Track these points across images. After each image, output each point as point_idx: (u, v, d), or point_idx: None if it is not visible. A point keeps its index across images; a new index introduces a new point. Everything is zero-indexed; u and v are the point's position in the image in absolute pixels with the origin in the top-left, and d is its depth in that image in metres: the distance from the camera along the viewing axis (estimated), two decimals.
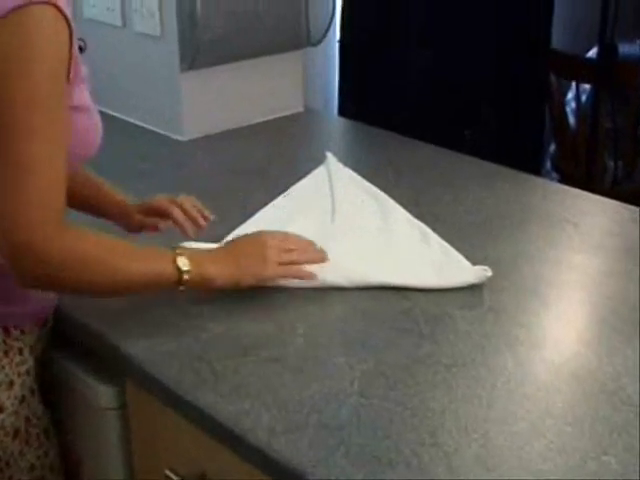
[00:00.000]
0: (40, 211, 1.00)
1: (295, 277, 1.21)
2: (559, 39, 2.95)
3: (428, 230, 1.39)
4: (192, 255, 1.12)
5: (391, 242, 1.36)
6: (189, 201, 1.32)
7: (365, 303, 1.22)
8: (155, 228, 1.33)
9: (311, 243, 1.25)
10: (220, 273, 1.14)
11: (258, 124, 1.95)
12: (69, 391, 1.25)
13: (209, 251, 1.19)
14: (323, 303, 1.22)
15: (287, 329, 1.16)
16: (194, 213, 1.31)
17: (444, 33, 2.65)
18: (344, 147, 1.95)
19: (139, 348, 1.11)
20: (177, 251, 1.11)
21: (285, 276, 1.20)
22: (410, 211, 1.46)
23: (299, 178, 1.60)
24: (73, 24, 1.03)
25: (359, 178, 1.60)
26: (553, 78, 2.89)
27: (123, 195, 1.35)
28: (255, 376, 1.05)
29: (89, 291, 1.11)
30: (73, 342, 1.22)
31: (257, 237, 1.20)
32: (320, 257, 1.23)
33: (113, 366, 1.17)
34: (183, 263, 1.10)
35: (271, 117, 1.98)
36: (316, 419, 0.98)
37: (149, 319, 1.17)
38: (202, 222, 1.30)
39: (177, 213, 1.30)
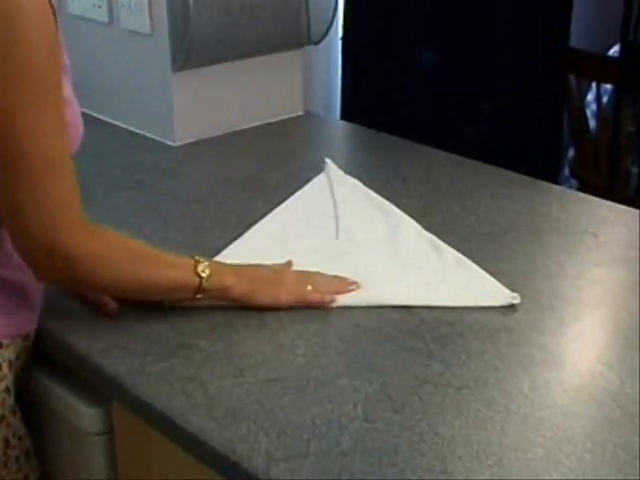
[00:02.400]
0: (65, 210, 1.05)
1: (312, 304, 1.23)
2: (578, 36, 2.96)
3: (441, 243, 1.40)
4: (212, 264, 1.19)
5: (401, 259, 1.36)
6: None
7: (369, 321, 1.22)
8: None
9: (340, 277, 1.28)
10: (237, 284, 1.20)
11: (255, 128, 1.96)
12: (50, 413, 1.26)
13: (229, 264, 1.25)
14: (325, 321, 1.22)
15: (286, 348, 1.16)
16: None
17: (454, 30, 2.67)
18: (347, 153, 1.96)
19: (126, 368, 1.12)
20: (197, 259, 1.18)
21: (302, 302, 1.23)
22: (417, 222, 1.47)
23: (298, 187, 1.61)
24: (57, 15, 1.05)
25: (363, 187, 1.61)
26: (572, 78, 2.91)
27: None
28: (252, 399, 1.06)
29: (111, 292, 1.18)
30: (54, 360, 1.23)
31: (278, 265, 1.29)
32: (341, 287, 1.26)
33: (97, 387, 1.17)
34: (203, 270, 1.16)
35: (268, 121, 1.99)
36: (317, 445, 0.98)
37: (137, 336, 1.18)
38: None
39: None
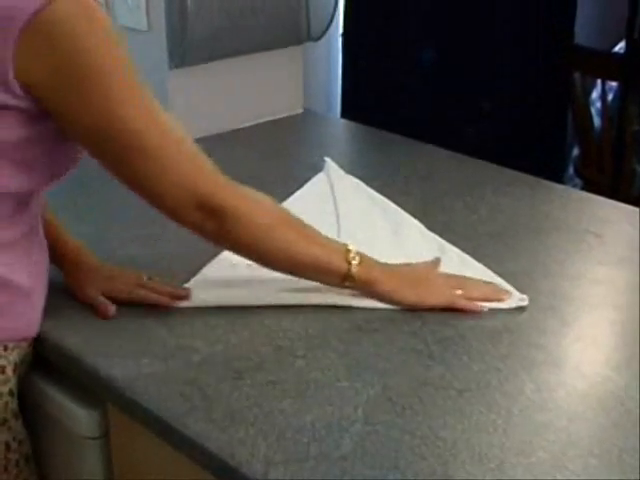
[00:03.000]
0: (211, 167, 1.13)
1: (460, 308, 1.22)
2: (583, 33, 2.96)
3: (445, 243, 1.40)
4: (361, 254, 1.20)
5: (404, 259, 1.36)
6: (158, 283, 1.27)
7: (370, 322, 1.22)
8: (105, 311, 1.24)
9: (492, 284, 1.27)
10: (385, 279, 1.22)
11: (253, 127, 1.96)
12: (45, 416, 1.26)
13: (376, 260, 1.24)
14: (325, 322, 1.22)
15: (286, 350, 1.16)
16: (168, 288, 1.26)
17: (456, 27, 2.67)
18: (347, 152, 1.96)
19: (122, 370, 1.12)
20: (349, 247, 1.20)
21: (450, 306, 1.23)
22: (418, 221, 1.47)
23: (298, 187, 1.61)
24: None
25: (364, 186, 1.61)
26: (577, 76, 2.91)
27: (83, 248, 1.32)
28: (251, 401, 1.06)
29: (258, 257, 1.19)
30: (48, 362, 1.23)
31: (426, 264, 1.30)
32: (493, 296, 1.25)
33: (93, 390, 1.17)
34: (353, 258, 1.18)
35: (267, 119, 1.99)
36: (317, 449, 0.98)
37: (133, 338, 1.18)
38: (181, 292, 1.26)
39: (145, 293, 1.25)
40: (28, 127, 1.08)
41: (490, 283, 1.28)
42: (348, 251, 1.19)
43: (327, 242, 1.20)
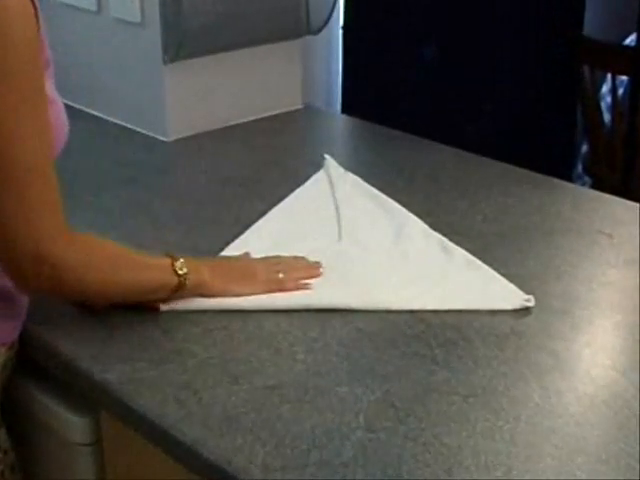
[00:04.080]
0: (51, 217, 1.09)
1: (284, 290, 1.28)
2: (592, 25, 2.97)
3: (450, 243, 1.40)
4: (187, 261, 1.23)
5: (407, 260, 1.37)
6: None
7: (372, 325, 1.23)
8: None
9: (302, 259, 1.34)
10: (213, 279, 1.25)
11: (251, 123, 1.96)
12: (35, 423, 1.26)
13: (202, 258, 1.29)
14: (325, 325, 1.23)
15: (284, 354, 1.17)
16: None
17: (458, 19, 2.67)
18: (348, 149, 1.96)
19: (115, 375, 1.12)
20: (172, 256, 1.22)
21: (278, 291, 1.27)
22: (422, 221, 1.47)
23: (297, 185, 1.61)
24: (36, 1, 1.06)
25: (365, 184, 1.61)
26: (586, 69, 2.91)
27: None
28: (248, 407, 1.06)
29: (94, 298, 1.21)
30: (39, 367, 1.23)
31: (245, 257, 1.35)
32: (311, 272, 1.31)
33: (85, 395, 1.17)
34: (180, 268, 1.21)
35: (265, 115, 1.99)
36: (317, 456, 0.99)
37: (127, 341, 1.19)
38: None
39: None
40: None
41: (304, 260, 1.34)
42: (174, 262, 1.21)
43: (154, 262, 1.22)
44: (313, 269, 1.32)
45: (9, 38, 1.01)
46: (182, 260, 1.21)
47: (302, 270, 1.31)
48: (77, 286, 1.15)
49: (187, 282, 1.21)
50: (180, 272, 1.21)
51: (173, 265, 1.21)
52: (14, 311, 1.20)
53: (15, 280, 1.13)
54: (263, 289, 1.27)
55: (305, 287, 1.28)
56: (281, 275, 1.29)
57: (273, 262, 1.32)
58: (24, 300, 1.22)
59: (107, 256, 1.18)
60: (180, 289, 1.22)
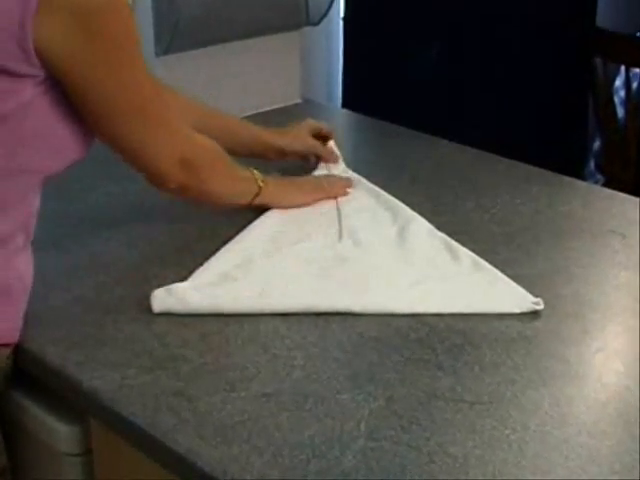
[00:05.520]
0: (181, 124, 1.32)
1: (329, 195, 1.55)
2: (605, 15, 2.97)
3: (455, 244, 1.41)
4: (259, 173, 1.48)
5: (411, 262, 1.37)
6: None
7: (374, 330, 1.23)
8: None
9: (337, 176, 1.64)
10: (276, 189, 1.51)
11: (248, 118, 1.96)
12: (23, 432, 1.26)
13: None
14: (325, 329, 1.23)
15: (282, 360, 1.17)
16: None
17: (463, 6, 2.67)
18: (349, 145, 1.96)
19: (106, 382, 1.12)
20: (249, 168, 1.46)
21: (322, 195, 1.55)
22: (427, 220, 1.48)
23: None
24: None
25: (367, 183, 1.62)
26: (598, 62, 2.91)
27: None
28: (245, 415, 1.07)
29: (211, 198, 1.43)
30: (25, 373, 1.23)
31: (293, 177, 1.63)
32: (347, 183, 1.60)
33: (74, 403, 1.18)
34: (260, 179, 1.46)
35: (263, 109, 2.00)
36: (317, 466, 0.99)
37: (118, 347, 1.19)
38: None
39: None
40: (39, 97, 1.16)
41: (336, 176, 1.64)
42: (253, 174, 1.46)
43: (240, 171, 1.45)
44: (348, 180, 1.59)
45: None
46: (257, 172, 1.46)
47: (339, 181, 1.59)
48: (205, 185, 1.37)
49: (262, 192, 1.45)
50: (260, 183, 1.45)
51: (254, 175, 1.45)
52: (12, 308, 1.20)
53: (157, 181, 1.33)
54: (314, 196, 1.54)
55: (345, 193, 1.56)
56: (324, 184, 1.56)
57: (315, 177, 1.62)
58: (23, 296, 1.22)
59: (222, 160, 1.41)
60: (257, 197, 1.45)
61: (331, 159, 1.67)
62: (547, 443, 1.03)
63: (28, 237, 1.23)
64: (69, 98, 1.18)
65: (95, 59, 1.15)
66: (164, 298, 1.26)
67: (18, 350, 1.22)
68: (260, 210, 1.50)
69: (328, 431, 1.04)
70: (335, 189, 1.56)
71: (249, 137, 1.64)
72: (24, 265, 1.23)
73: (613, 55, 2.91)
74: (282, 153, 1.65)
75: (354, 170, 1.66)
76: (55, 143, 1.20)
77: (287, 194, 1.53)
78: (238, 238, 1.43)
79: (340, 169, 1.66)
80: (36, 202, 1.24)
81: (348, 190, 1.57)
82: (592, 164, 3.14)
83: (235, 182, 1.45)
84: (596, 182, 2.95)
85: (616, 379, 1.16)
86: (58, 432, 1.21)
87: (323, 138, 1.71)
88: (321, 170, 1.64)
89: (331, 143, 1.70)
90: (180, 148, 1.31)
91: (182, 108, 1.48)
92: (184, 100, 1.54)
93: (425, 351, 1.18)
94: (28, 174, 1.19)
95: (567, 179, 1.72)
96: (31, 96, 1.14)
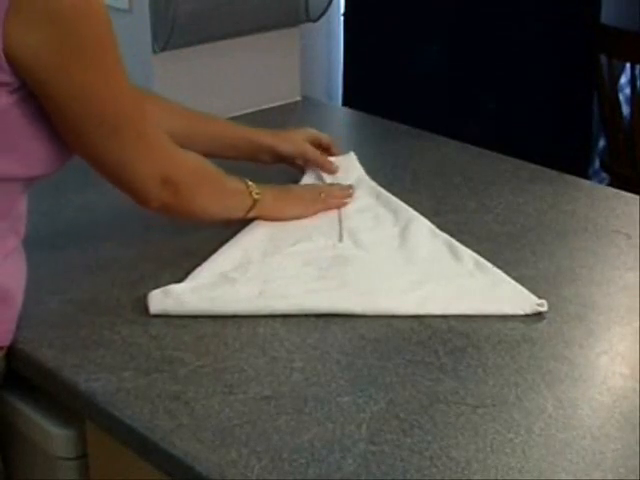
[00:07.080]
0: (166, 142, 1.29)
1: (328, 207, 1.52)
2: (610, 12, 2.97)
3: (458, 244, 1.41)
4: (255, 185, 1.43)
5: (413, 262, 1.37)
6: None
7: (375, 331, 1.23)
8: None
9: (337, 184, 1.59)
10: (274, 201, 1.47)
11: (246, 116, 1.96)
12: (16, 436, 1.26)
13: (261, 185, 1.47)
14: (325, 331, 1.23)
15: (281, 362, 1.17)
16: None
17: (467, 7, 2.67)
18: (349, 143, 1.95)
19: (101, 384, 1.12)
20: (244, 180, 1.42)
21: (321, 207, 1.51)
22: (429, 220, 1.48)
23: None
24: None
25: (369, 181, 1.61)
26: (603, 59, 2.91)
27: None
28: (243, 419, 1.07)
29: (196, 215, 1.39)
30: (20, 376, 1.23)
31: (292, 186, 1.59)
32: (347, 192, 1.55)
33: (70, 407, 1.18)
34: (255, 192, 1.42)
35: (262, 107, 2.00)
36: (317, 470, 0.99)
37: (114, 349, 1.19)
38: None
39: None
40: (16, 105, 1.13)
41: (336, 184, 1.58)
42: (248, 187, 1.42)
43: (233, 184, 1.41)
44: (348, 189, 1.55)
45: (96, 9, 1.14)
46: (252, 184, 1.41)
47: (338, 191, 1.54)
48: (189, 204, 1.34)
49: (257, 205, 1.41)
50: (255, 196, 1.41)
51: (249, 188, 1.41)
52: (8, 311, 1.20)
53: (139, 200, 1.29)
54: (312, 209, 1.49)
55: (344, 204, 1.52)
56: (323, 195, 1.52)
57: (314, 187, 1.57)
58: (19, 298, 1.22)
59: (208, 175, 1.37)
60: (251, 210, 1.42)
61: (326, 168, 1.62)
62: (551, 447, 1.03)
63: (19, 238, 1.23)
64: (45, 110, 1.15)
65: (67, 65, 1.12)
66: (161, 299, 1.26)
67: (13, 352, 1.22)
68: None
69: (328, 434, 1.04)
70: (335, 201, 1.52)
71: (237, 138, 1.59)
72: (16, 266, 1.22)
73: (618, 52, 2.91)
74: (274, 154, 1.60)
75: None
76: (32, 154, 1.17)
77: (285, 207, 1.48)
78: (236, 239, 1.43)
79: (342, 164, 1.64)
80: (22, 205, 1.23)
81: (347, 201, 1.53)
82: (597, 163, 3.14)
83: (224, 197, 1.41)
84: (601, 181, 2.96)
85: (621, 382, 1.16)
86: (53, 436, 1.21)
87: (323, 149, 1.65)
88: (309, 177, 1.63)
89: (332, 159, 1.65)
90: (161, 165, 1.27)
91: (167, 115, 1.46)
92: (168, 106, 1.51)
93: (427, 353, 1.18)
94: (7, 182, 1.17)
95: (571, 178, 1.72)
96: (4, 105, 1.12)
